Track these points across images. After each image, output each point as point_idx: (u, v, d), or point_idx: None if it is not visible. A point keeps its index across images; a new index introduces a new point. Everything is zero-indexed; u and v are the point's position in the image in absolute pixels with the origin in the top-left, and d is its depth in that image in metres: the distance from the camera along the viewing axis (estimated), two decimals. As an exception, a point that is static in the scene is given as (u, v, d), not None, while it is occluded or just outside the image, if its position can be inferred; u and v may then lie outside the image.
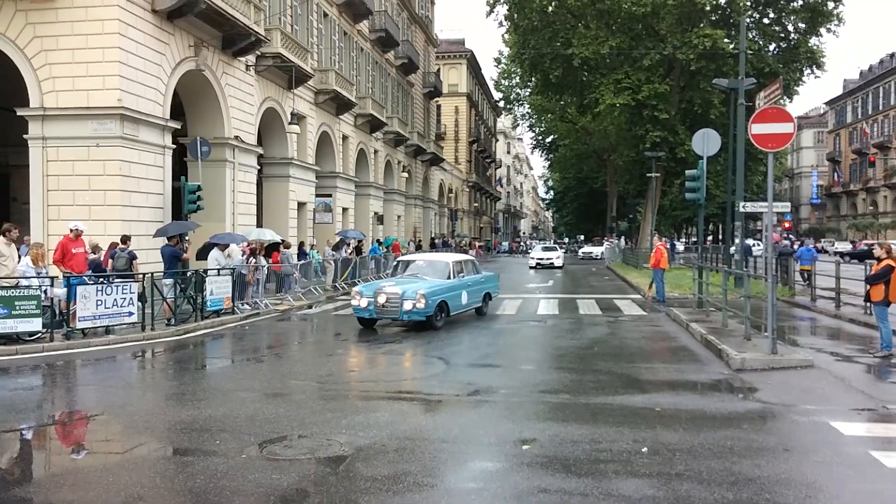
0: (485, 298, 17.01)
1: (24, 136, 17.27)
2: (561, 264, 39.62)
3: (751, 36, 34.45)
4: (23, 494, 5.61)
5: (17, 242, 13.07)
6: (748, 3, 34.75)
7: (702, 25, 34.16)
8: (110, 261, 15.02)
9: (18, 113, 17.30)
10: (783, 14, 36.29)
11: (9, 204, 23.08)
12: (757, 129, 11.01)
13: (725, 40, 33.39)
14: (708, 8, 34.38)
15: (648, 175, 37.88)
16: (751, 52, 31.05)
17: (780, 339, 11.07)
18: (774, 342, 10.64)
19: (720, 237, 66.38)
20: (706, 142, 19.73)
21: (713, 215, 65.83)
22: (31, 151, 17.30)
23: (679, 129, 35.96)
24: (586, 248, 59.58)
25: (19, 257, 12.81)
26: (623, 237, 58.88)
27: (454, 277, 15.58)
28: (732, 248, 23.49)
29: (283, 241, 22.16)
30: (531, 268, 38.71)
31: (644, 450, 6.34)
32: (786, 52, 36.45)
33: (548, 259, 39.79)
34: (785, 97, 35.72)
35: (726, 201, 27.10)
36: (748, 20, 33.82)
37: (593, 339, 13.66)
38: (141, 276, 14.22)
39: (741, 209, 20.98)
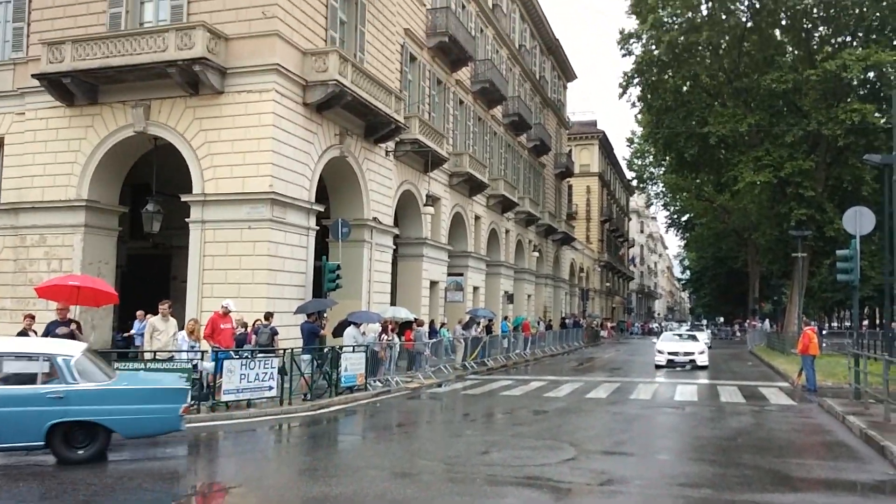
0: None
1: (186, 219, 18.82)
2: (706, 362, 26.17)
3: (904, 108, 32.52)
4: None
5: (173, 318, 14.11)
6: (899, 74, 32.99)
7: (849, 100, 32.63)
8: (254, 336, 15.88)
9: (183, 199, 18.93)
10: (939, 83, 34.08)
11: (169, 283, 25.04)
12: (915, 207, 10.26)
13: (876, 115, 31.69)
14: (855, 83, 32.89)
15: (794, 255, 35.88)
16: (905, 125, 29.23)
17: (953, 438, 9.96)
18: (947, 441, 9.59)
19: (878, 321, 61.31)
20: (859, 220, 18.47)
21: (868, 298, 61.08)
22: (191, 234, 18.78)
23: (827, 207, 34.00)
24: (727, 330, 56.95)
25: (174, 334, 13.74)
26: (767, 320, 55.58)
27: None
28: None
29: (415, 318, 22.62)
30: (658, 367, 26.08)
31: (796, 556, 5.82)
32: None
33: (686, 353, 26.34)
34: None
35: (883, 283, 25.14)
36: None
37: (737, 429, 12.84)
38: (281, 351, 14.89)
39: (900, 292, 19.37)
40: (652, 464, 9.91)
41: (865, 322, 64.75)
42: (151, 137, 19.53)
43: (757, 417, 14.23)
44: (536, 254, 47.05)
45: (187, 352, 13.42)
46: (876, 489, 8.49)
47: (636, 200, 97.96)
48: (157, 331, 13.16)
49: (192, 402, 12.77)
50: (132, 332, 17.81)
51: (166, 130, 19.10)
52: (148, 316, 15.26)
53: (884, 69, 31.49)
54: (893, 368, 15.09)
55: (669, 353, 26.27)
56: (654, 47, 36.55)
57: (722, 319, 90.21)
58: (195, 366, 13.18)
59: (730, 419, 14.00)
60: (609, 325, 64.21)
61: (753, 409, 15.48)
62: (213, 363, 13.46)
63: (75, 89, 19.19)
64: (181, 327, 14.13)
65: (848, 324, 70.50)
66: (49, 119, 20.14)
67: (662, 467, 9.67)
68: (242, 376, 13.45)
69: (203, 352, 13.88)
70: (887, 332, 23.70)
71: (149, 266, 25.15)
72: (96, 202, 19.95)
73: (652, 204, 77.58)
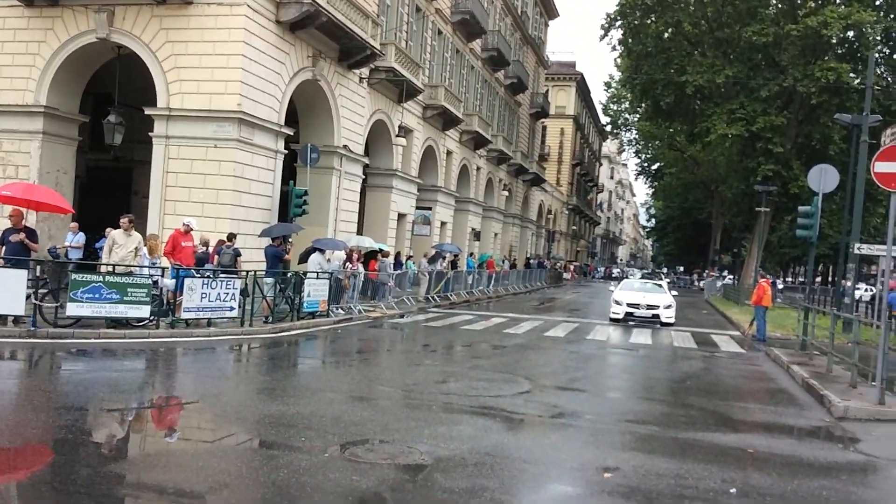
0: None
1: (150, 133, 18.36)
2: (672, 319, 21.52)
3: (878, 72, 32.71)
4: (118, 471, 5.94)
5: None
6: (878, 38, 33.03)
7: (826, 58, 32.68)
8: (216, 257, 15.76)
9: (147, 112, 18.42)
10: (916, 50, 34.33)
11: (130, 197, 24.57)
12: (881, 167, 10.43)
13: (851, 75, 31.85)
14: (834, 41, 32.88)
15: (757, 209, 36.42)
16: (877, 88, 29.44)
17: (888, 390, 10.38)
18: (883, 392, 9.98)
19: (830, 279, 63.01)
20: (823, 178, 18.79)
21: (823, 256, 62.56)
22: (154, 148, 18.35)
23: (794, 164, 34.42)
24: (686, 279, 58.18)
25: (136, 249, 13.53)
26: (726, 271, 56.80)
27: None
28: (859, 292, 22.16)
29: (381, 249, 22.62)
30: (614, 320, 21.50)
31: (732, 491, 6.08)
32: (916, 89, 34.39)
33: (649, 307, 21.42)
34: (913, 136, 33.65)
35: (839, 242, 25.74)
36: (876, 55, 32.09)
37: (686, 372, 13.23)
38: (244, 273, 14.82)
39: (855, 251, 19.87)
40: (603, 401, 10.20)
41: (818, 279, 66.41)
42: (115, 45, 18.82)
43: (707, 363, 14.66)
44: (506, 193, 47.08)
45: (148, 267, 13.29)
46: (811, 434, 8.86)
47: (608, 146, 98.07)
48: (116, 244, 12.94)
49: (152, 318, 12.73)
50: (95, 245, 17.53)
51: (130, 39, 18.42)
52: (108, 230, 14.96)
53: (864, 29, 31.48)
54: (839, 323, 15.60)
55: (629, 305, 21.45)
56: (638, -11, 36.06)
57: (682, 268, 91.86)
58: (155, 282, 13.08)
59: (681, 363, 14.40)
60: (572, 267, 64.97)
61: (704, 354, 15.92)
62: (173, 280, 13.36)
63: (34, -12, 18.36)
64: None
65: (802, 279, 72.34)
66: (6, 19, 19.27)
67: (612, 404, 9.96)
68: (203, 295, 13.40)
69: (163, 268, 13.75)
70: (838, 289, 24.42)
71: (109, 179, 24.59)
72: (55, 109, 19.30)
73: (624, 150, 77.93)
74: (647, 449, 7.47)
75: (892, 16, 32.66)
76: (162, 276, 13.47)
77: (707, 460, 7.06)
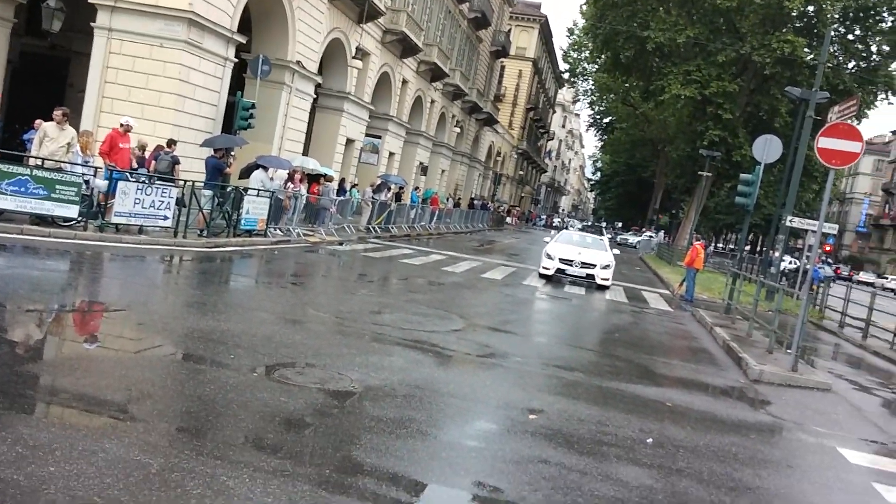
0: None
1: (91, 23, 17.34)
2: (608, 281, 18.98)
3: (832, 50, 33.19)
4: (34, 371, 5.73)
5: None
6: (836, 16, 33.49)
7: (784, 30, 33.03)
8: (154, 162, 15.18)
9: (90, 0, 17.35)
10: (869, 33, 34.94)
11: (64, 89, 23.33)
12: (824, 142, 10.65)
13: (805, 49, 32.30)
14: (794, 14, 33.17)
15: (700, 173, 37.13)
16: (829, 65, 30.02)
17: (801, 359, 10.87)
18: (797, 359, 10.45)
19: (759, 249, 65.23)
20: (767, 148, 19.14)
21: (756, 226, 64.61)
22: (95, 40, 17.37)
23: (740, 132, 35.08)
24: (623, 236, 59.27)
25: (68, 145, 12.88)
26: (662, 231, 58.16)
27: None
28: (784, 263, 22.93)
29: (325, 174, 22.20)
30: (544, 276, 19.00)
31: (649, 440, 6.29)
32: (864, 72, 35.15)
33: (584, 265, 18.82)
34: (855, 117, 34.60)
35: (772, 214, 26.52)
36: (833, 33, 32.57)
37: (616, 325, 13.57)
38: (182, 182, 14.35)
39: (787, 223, 20.50)
40: (533, 345, 10.37)
41: (748, 247, 68.69)
42: (62, -76, 17.57)
43: (635, 317, 15.05)
44: (458, 129, 46.69)
45: (80, 165, 12.71)
46: (726, 393, 9.23)
47: (564, 94, 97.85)
48: (48, 137, 12.28)
49: (80, 219, 12.25)
50: (23, 136, 16.64)
51: (79, -80, 17.21)
52: (38, 121, 14.16)
53: (823, 5, 31.86)
54: (763, 291, 16.18)
55: (561, 261, 18.83)
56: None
57: (620, 224, 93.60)
58: (87, 181, 12.54)
59: (611, 315, 14.75)
60: (515, 212, 65.43)
61: (634, 309, 16.34)
62: (105, 182, 12.83)
63: None
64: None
65: (732, 247, 74.67)
66: None
67: (542, 349, 10.14)
68: (137, 201, 12.94)
69: (97, 168, 13.18)
70: (766, 259, 25.27)
71: (43, 67, 23.28)
72: (-9, -13, 18.05)
73: (578, 100, 77.78)
74: (572, 394, 7.64)
75: (852, -5, 33.08)
76: (94, 176, 12.92)
77: (628, 410, 7.27)
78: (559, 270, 18.76)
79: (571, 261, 18.81)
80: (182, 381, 5.87)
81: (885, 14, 34.07)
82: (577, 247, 19.92)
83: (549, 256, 19.12)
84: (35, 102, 16.91)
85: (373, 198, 25.45)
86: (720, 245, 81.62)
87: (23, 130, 16.89)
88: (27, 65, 22.97)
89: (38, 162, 12.08)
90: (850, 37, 35.49)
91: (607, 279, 18.89)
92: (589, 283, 18.71)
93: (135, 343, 7.16)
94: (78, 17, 18.64)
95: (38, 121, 15.62)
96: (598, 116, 71.37)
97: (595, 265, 18.81)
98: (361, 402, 6.04)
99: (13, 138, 16.78)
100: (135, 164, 14.49)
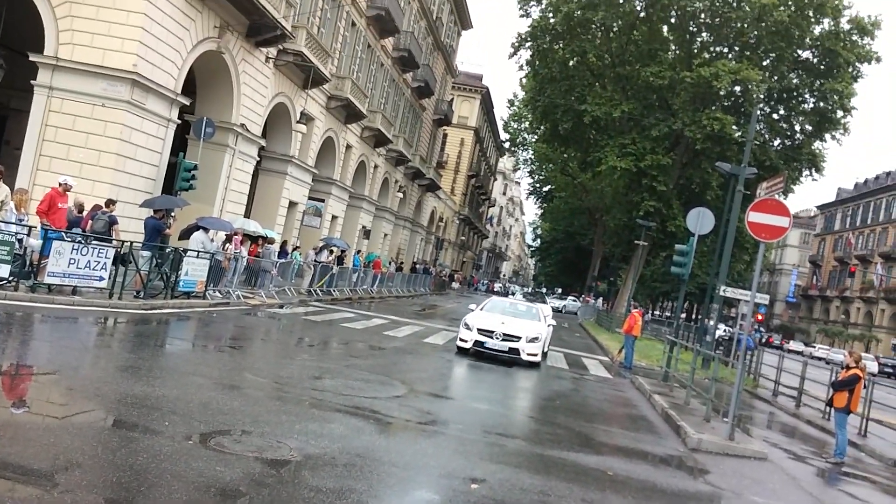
0: None
1: (32, 81, 17.11)
2: (538, 357, 16.01)
3: (758, 128, 35.11)
4: (-42, 438, 5.44)
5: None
6: (762, 96, 35.51)
7: (713, 108, 34.79)
8: (90, 222, 14.82)
9: (31, 58, 17.15)
10: (793, 113, 37.08)
11: (1, 146, 22.78)
12: (754, 217, 11.12)
13: (734, 127, 33.97)
14: (723, 93, 35.04)
15: (636, 242, 38.20)
16: (756, 143, 31.63)
17: (738, 427, 11.09)
18: (733, 428, 10.66)
19: (694, 316, 66.88)
20: (700, 220, 19.92)
21: (690, 294, 66.51)
22: (35, 98, 17.11)
23: (674, 203, 36.40)
24: (556, 302, 61.53)
25: (1, 203, 12.54)
26: (601, 298, 59.28)
27: None
28: (718, 332, 23.49)
29: (266, 235, 22.02)
30: (461, 351, 16.09)
31: (591, 511, 6.28)
32: (789, 149, 37.14)
33: (506, 337, 15.75)
34: (782, 192, 36.33)
35: (706, 283, 27.34)
36: (759, 112, 34.49)
37: (556, 391, 13.63)
38: (119, 242, 14.03)
39: (721, 293, 21.15)
40: (474, 412, 10.32)
41: (684, 315, 70.36)
42: (5, -18, 17.49)
43: (576, 384, 15.16)
44: (401, 195, 47.08)
45: (14, 223, 12.33)
46: (665, 462, 9.32)
47: (505, 162, 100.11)
48: (-18, 195, 11.96)
49: (11, 279, 11.83)
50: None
51: (25, -21, 17.15)
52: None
53: (749, 86, 33.73)
54: (699, 359, 16.54)
55: (480, 331, 15.88)
56: (551, 15, 37.12)
57: (560, 290, 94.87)
58: (20, 240, 12.16)
59: (551, 382, 14.82)
60: (459, 276, 65.86)
61: (574, 376, 16.47)
62: (40, 241, 12.46)
63: None
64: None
65: (669, 314, 76.38)
66: None
67: (483, 416, 10.09)
68: (72, 261, 12.57)
69: (31, 227, 12.81)
70: (701, 327, 25.91)
71: (-21, 124, 22.75)
72: (-73, 41, 17.69)
73: (519, 169, 79.75)
74: (514, 463, 7.61)
75: (775, 77, 35.13)
76: (28, 234, 12.54)
77: (569, 479, 7.27)
78: (477, 343, 15.77)
79: (492, 332, 15.80)
80: (113, 449, 5.64)
81: (806, 95, 36.28)
82: (502, 315, 17.07)
83: (467, 327, 16.20)
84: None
85: (315, 261, 25.29)
86: (657, 312, 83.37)
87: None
88: (-39, 119, 22.43)
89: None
90: (776, 116, 37.56)
91: (535, 354, 15.87)
92: (512, 358, 15.65)
93: (64, 408, 6.86)
94: (18, 75, 18.37)
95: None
96: (538, 185, 73.22)
97: (520, 337, 15.75)
98: (301, 471, 5.90)
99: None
100: (68, 224, 14.12)
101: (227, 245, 18.43)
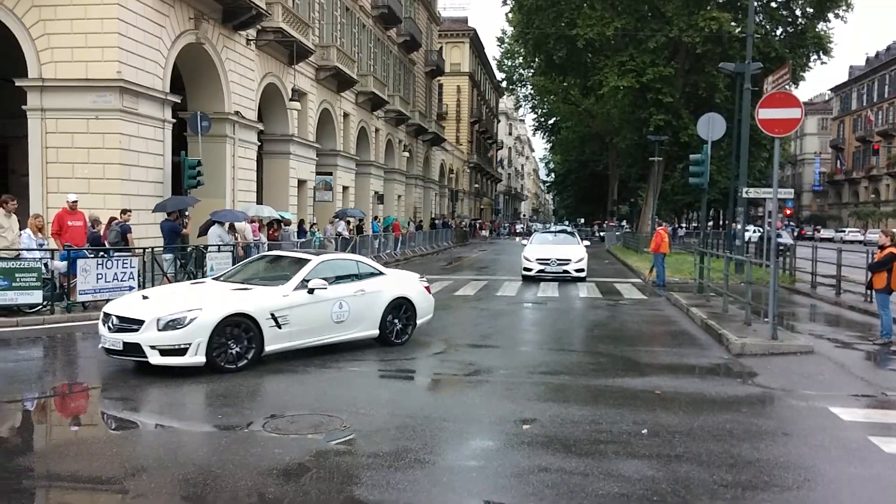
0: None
1: (23, 107, 17.14)
2: (584, 272, 21.13)
3: (758, 20, 34.12)
4: (27, 464, 5.61)
5: (17, 215, 13.00)
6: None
7: (708, 8, 33.87)
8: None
9: (17, 84, 17.14)
10: (791, -2, 35.98)
11: (7, 176, 22.95)
12: (764, 113, 10.90)
13: (732, 24, 33.11)
14: (715, -10, 34.14)
15: (651, 159, 37.73)
16: (758, 36, 30.80)
17: (780, 325, 11.06)
18: (775, 327, 10.63)
19: (721, 223, 66.30)
20: (711, 126, 19.62)
21: (714, 201, 65.72)
22: (29, 123, 17.15)
23: (683, 114, 35.74)
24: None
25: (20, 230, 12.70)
26: (624, 221, 58.92)
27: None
28: (748, 233, 23.23)
29: (282, 218, 22.06)
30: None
31: (644, 431, 6.34)
32: (793, 36, 36.15)
33: (559, 261, 21.04)
34: (791, 82, 35.44)
35: (728, 187, 26.99)
36: (755, 3, 33.49)
37: (593, 321, 13.65)
38: (141, 250, 14.17)
39: (744, 195, 20.89)
40: (515, 355, 10.38)
41: (710, 223, 69.80)
42: (-22, 12, 17.36)
43: (612, 311, 15.17)
44: (406, 154, 46.83)
45: (37, 250, 12.50)
46: (711, 371, 9.34)
47: (505, 102, 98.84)
48: (1, 227, 12.10)
49: (45, 303, 12.04)
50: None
51: (-5, 5, 17.03)
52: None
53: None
54: (732, 265, 16.44)
55: (538, 261, 21.06)
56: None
57: (582, 220, 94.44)
58: (46, 265, 12.33)
59: (588, 312, 14.85)
60: (485, 224, 66.21)
61: (609, 303, 16.47)
62: (64, 262, 12.63)
63: None
64: (24, 225, 13.06)
65: (695, 225, 75.80)
66: None
67: (524, 358, 10.14)
68: (99, 276, 12.72)
69: (53, 250, 12.96)
70: (729, 233, 25.70)
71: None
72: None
73: (520, 106, 78.59)
74: (561, 398, 7.68)
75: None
76: (52, 258, 12.70)
77: (619, 404, 7.32)
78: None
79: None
80: (173, 449, 5.76)
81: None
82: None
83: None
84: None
85: (337, 233, 25.34)
86: (683, 225, 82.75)
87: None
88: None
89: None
90: (773, 4, 36.45)
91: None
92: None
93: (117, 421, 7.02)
94: (10, 103, 18.38)
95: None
96: (543, 119, 72.19)
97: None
98: (356, 441, 6.00)
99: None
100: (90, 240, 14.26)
101: (234, 234, 18.42)
